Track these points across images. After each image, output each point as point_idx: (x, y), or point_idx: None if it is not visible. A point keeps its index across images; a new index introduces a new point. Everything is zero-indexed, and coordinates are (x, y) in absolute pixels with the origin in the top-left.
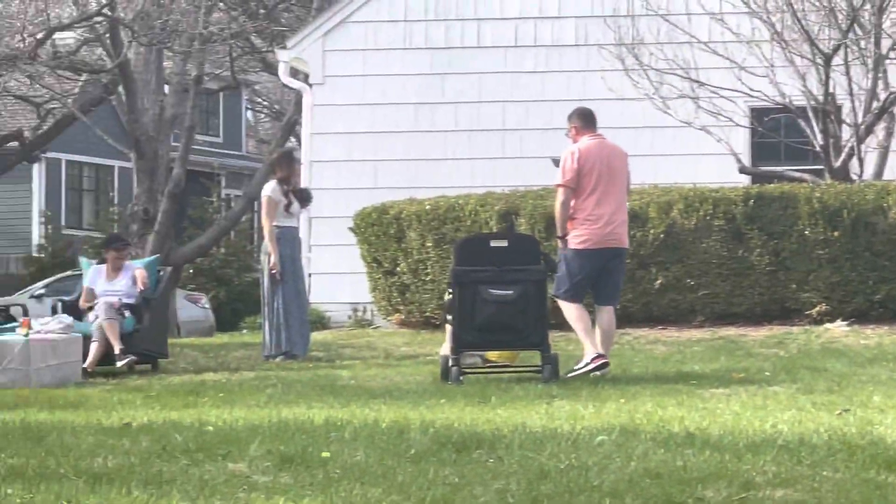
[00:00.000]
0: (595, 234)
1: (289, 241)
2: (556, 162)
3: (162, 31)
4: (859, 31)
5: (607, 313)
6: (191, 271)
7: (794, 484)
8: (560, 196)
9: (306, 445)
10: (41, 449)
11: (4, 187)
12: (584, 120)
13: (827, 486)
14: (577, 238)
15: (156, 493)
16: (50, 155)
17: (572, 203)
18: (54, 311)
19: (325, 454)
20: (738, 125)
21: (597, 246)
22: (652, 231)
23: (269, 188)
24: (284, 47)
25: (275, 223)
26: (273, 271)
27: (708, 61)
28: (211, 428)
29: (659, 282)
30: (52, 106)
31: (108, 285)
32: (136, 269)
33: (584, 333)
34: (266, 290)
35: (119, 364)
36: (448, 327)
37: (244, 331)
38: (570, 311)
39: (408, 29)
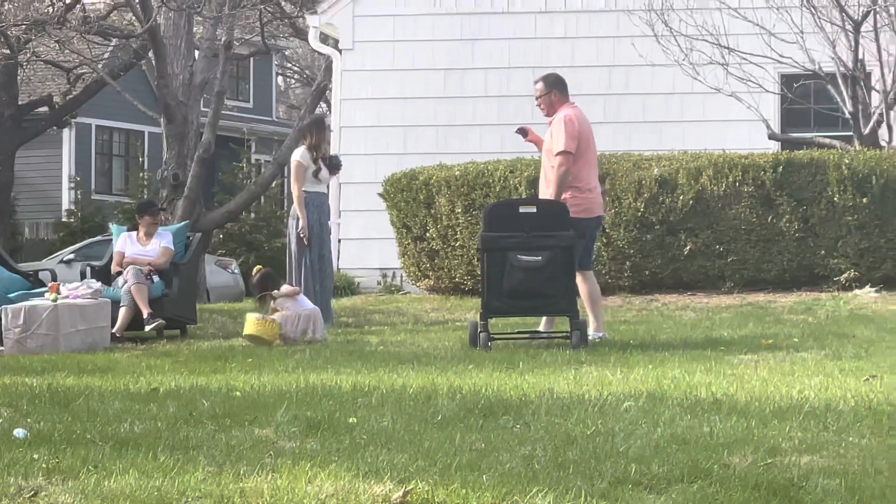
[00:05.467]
0: (594, 202)
1: (316, 207)
2: (524, 132)
3: None
4: None
5: (592, 277)
6: (220, 237)
7: (819, 450)
8: (564, 163)
9: (333, 411)
10: (68, 414)
11: (34, 153)
12: (564, 87)
13: (853, 453)
14: (578, 207)
15: (182, 459)
16: (80, 120)
17: None
18: (83, 276)
19: (352, 420)
20: (767, 91)
21: (596, 214)
22: (681, 197)
23: (299, 153)
24: (314, 12)
25: (303, 188)
26: (302, 235)
27: (738, 27)
28: (238, 393)
29: (688, 248)
30: (82, 71)
31: (139, 250)
32: (163, 246)
33: (600, 308)
34: (294, 255)
35: (147, 328)
36: None
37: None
38: (595, 284)
39: None
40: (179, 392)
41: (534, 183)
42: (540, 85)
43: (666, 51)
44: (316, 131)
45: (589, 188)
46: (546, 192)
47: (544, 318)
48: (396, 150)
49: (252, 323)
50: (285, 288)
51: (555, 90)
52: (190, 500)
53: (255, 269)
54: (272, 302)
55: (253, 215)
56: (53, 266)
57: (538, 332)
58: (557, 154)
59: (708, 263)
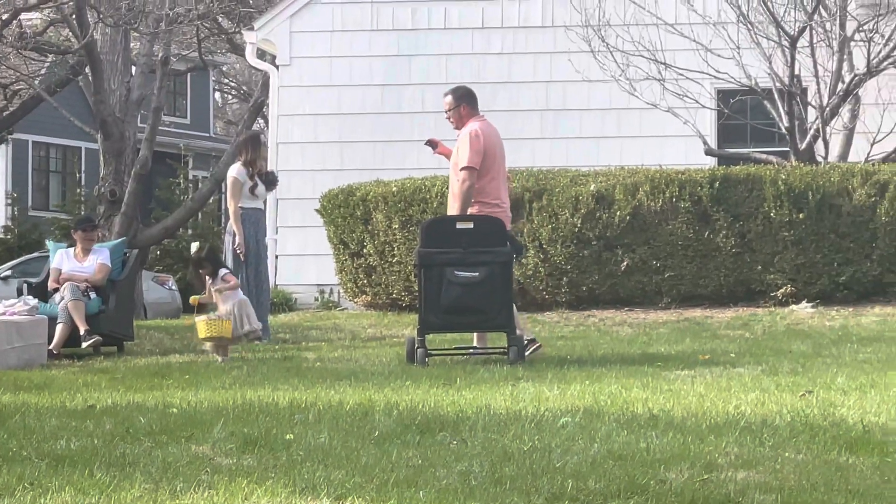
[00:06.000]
0: (501, 216)
1: (252, 223)
2: (434, 145)
3: (128, 11)
4: (824, 14)
5: None
6: (158, 253)
7: (756, 465)
8: (468, 179)
9: (270, 427)
10: (3, 431)
11: None
12: (473, 101)
13: (789, 468)
14: None
15: (118, 476)
16: (16, 136)
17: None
18: (20, 293)
19: (289, 436)
20: (704, 107)
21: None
22: (618, 213)
23: (235, 170)
24: (251, 28)
25: (239, 204)
26: (238, 251)
27: (674, 43)
28: (175, 410)
29: (625, 263)
30: (19, 87)
31: (76, 267)
32: (100, 262)
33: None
34: (230, 271)
35: (84, 345)
36: None
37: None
38: None
39: (375, 10)
40: (116, 409)
41: None
42: (449, 98)
43: (603, 66)
44: (251, 147)
45: (496, 202)
46: (453, 206)
47: (477, 333)
48: (334, 166)
49: (204, 326)
50: (228, 276)
51: (464, 103)
52: None
53: (197, 246)
54: (212, 288)
55: (190, 231)
56: None
57: (475, 347)
58: (461, 169)
59: (645, 279)
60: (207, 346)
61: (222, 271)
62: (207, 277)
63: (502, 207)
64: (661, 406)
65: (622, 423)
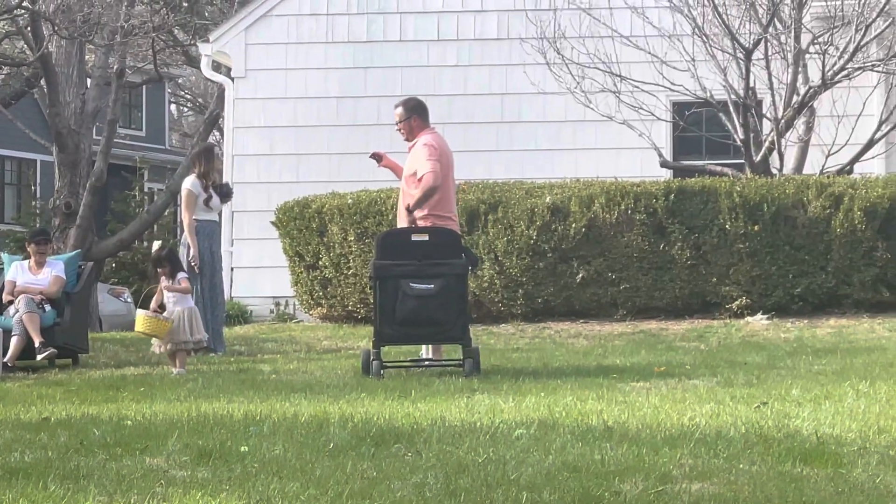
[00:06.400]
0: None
1: (207, 235)
2: (378, 158)
3: (83, 24)
4: (779, 26)
5: None
6: (113, 265)
7: (710, 477)
8: (431, 181)
9: (225, 440)
10: None
11: None
12: (424, 113)
13: (743, 479)
14: None
15: (73, 488)
16: None
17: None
18: None
19: (244, 448)
20: (659, 119)
21: None
22: (573, 225)
23: (189, 182)
24: (207, 41)
25: (194, 217)
26: (193, 263)
27: (630, 55)
28: (130, 422)
29: (580, 276)
30: None
31: (30, 279)
32: (55, 275)
33: None
34: None
35: (39, 357)
36: None
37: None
38: None
39: (330, 22)
40: (70, 421)
41: None
42: (400, 110)
43: (558, 79)
44: (206, 159)
45: (449, 215)
46: (405, 219)
47: (431, 346)
48: (289, 179)
49: (142, 320)
50: (184, 280)
51: (415, 115)
52: None
53: (159, 245)
54: (164, 287)
55: (146, 244)
56: None
57: (431, 359)
58: (421, 177)
59: (600, 291)
60: (155, 348)
61: (181, 274)
62: (164, 277)
63: (455, 220)
64: (616, 418)
65: (577, 435)
